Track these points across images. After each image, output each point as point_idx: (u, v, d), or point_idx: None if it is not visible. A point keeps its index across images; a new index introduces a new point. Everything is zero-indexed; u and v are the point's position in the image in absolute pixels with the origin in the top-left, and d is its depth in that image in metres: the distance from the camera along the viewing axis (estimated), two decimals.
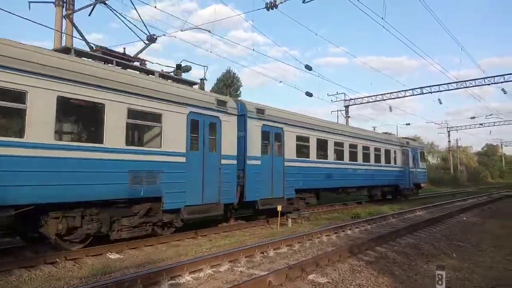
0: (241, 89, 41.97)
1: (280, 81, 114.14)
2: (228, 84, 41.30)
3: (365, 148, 22.00)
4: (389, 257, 9.20)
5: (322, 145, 17.95)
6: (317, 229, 12.80)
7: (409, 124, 68.99)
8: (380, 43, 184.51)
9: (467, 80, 33.86)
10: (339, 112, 40.59)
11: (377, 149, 23.19)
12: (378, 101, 39.00)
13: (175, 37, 77.67)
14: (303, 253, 9.64)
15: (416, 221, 15.46)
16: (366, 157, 21.96)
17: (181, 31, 20.43)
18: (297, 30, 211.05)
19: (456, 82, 34.04)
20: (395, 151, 25.39)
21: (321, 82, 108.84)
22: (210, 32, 18.27)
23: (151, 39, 18.49)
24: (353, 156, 20.80)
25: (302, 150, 16.53)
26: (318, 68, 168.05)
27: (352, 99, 40.21)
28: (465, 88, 33.89)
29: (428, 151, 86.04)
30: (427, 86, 35.40)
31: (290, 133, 15.71)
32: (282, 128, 15.26)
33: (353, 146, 20.81)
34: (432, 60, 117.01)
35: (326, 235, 11.96)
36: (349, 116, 40.03)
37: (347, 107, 40.34)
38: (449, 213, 18.13)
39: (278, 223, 14.27)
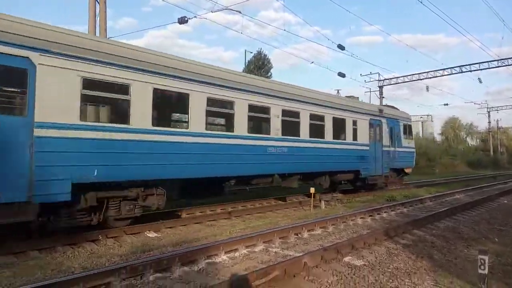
0: (271, 70, 41.63)
1: (312, 62, 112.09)
2: (259, 66, 41.06)
3: (291, 114, 13.81)
4: (427, 241, 8.98)
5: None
6: (351, 211, 12.67)
7: (447, 104, 66.56)
8: (416, 20, 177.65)
9: (509, 58, 32.19)
10: (373, 92, 39.64)
11: (316, 117, 14.97)
12: (414, 80, 37.74)
13: (206, 18, 77.62)
14: (337, 235, 9.57)
15: (454, 204, 15.00)
16: (292, 130, 13.91)
17: (212, 12, 20.25)
18: (329, 8, 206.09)
19: (498, 60, 32.43)
20: (354, 122, 17.29)
21: (354, 62, 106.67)
22: (240, 12, 18.06)
23: (182, 21, 18.48)
24: (259, 127, 13.87)
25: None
26: (351, 47, 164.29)
27: (387, 79, 39.12)
28: (507, 66, 32.24)
29: (467, 132, 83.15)
30: (467, 65, 33.96)
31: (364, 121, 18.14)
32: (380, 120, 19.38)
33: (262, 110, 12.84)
34: (472, 37, 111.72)
35: (361, 218, 11.82)
36: (383, 97, 39.05)
37: (381, 87, 39.31)
38: (489, 196, 17.49)
39: (311, 205, 14.22)
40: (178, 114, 12.65)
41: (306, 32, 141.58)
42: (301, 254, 7.24)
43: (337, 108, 16.16)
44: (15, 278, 6.20)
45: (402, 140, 21.36)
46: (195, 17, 18.28)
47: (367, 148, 18.10)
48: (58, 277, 6.06)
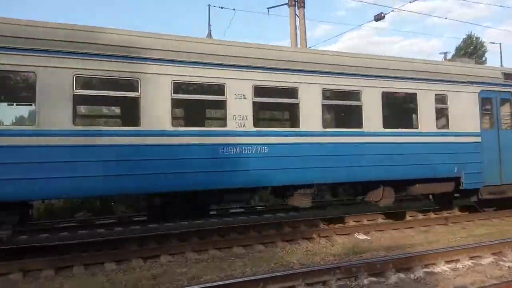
0: (486, 55, 36.25)
1: None
2: (471, 51, 36.33)
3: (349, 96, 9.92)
4: None
5: None
6: None
7: None
8: None
9: None
10: None
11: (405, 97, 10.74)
12: None
13: (404, 10, 73.40)
14: None
15: None
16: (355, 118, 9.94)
17: (410, 2, 18.98)
18: None
19: None
20: (452, 97, 10.85)
21: None
22: None
23: (379, 17, 17.85)
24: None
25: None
26: None
27: None
28: None
29: None
30: None
31: None
32: None
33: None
34: None
35: None
36: None
37: None
38: None
39: None
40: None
41: None
42: None
43: (403, 78, 10.29)
44: (245, 267, 7.10)
45: None
46: (392, 11, 17.55)
47: (476, 139, 11.16)
48: (280, 270, 6.68)
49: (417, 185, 10.46)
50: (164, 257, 7.79)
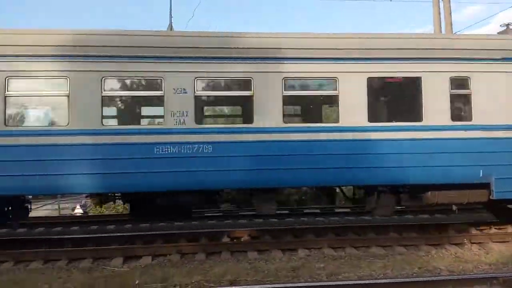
0: None
1: None
2: None
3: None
4: None
5: None
6: None
7: None
8: None
9: None
10: None
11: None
12: None
13: None
14: None
15: None
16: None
17: None
18: None
19: None
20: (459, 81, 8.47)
21: None
22: None
23: None
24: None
25: None
26: None
27: None
28: None
29: None
30: None
31: None
32: None
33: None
34: None
35: None
36: None
37: None
38: None
39: None
40: None
41: None
42: None
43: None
44: (386, 269, 6.78)
45: None
46: None
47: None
48: (425, 275, 6.23)
49: (429, 193, 8.45)
50: (301, 251, 7.95)
